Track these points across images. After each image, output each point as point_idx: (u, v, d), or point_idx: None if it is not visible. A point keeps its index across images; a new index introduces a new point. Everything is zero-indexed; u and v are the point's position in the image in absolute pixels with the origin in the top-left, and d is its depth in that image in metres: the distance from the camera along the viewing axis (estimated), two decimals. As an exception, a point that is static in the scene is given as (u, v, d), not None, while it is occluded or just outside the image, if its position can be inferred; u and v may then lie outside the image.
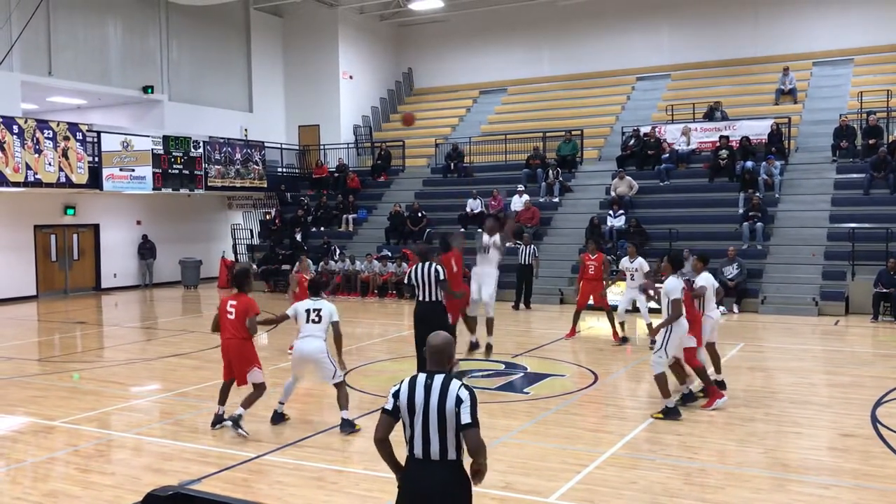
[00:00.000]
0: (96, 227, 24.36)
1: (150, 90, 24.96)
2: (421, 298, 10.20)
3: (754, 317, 17.44)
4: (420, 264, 10.27)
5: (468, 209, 23.26)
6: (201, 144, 24.29)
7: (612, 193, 22.00)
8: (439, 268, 10.16)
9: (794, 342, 14.51)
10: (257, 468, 7.44)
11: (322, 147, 28.88)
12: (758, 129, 22.58)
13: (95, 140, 21.51)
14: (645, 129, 23.83)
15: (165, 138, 23.20)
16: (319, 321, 8.58)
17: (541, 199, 23.12)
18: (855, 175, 20.62)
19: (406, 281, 10.58)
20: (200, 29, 26.89)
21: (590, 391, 10.44)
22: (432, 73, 31.88)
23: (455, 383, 4.21)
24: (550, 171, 23.61)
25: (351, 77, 29.75)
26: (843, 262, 18.14)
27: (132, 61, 24.74)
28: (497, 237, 11.82)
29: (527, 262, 18.80)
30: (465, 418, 4.11)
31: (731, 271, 18.19)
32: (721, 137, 22.28)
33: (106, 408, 9.85)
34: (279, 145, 28.29)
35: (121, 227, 24.85)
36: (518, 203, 22.59)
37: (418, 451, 4.19)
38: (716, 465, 7.49)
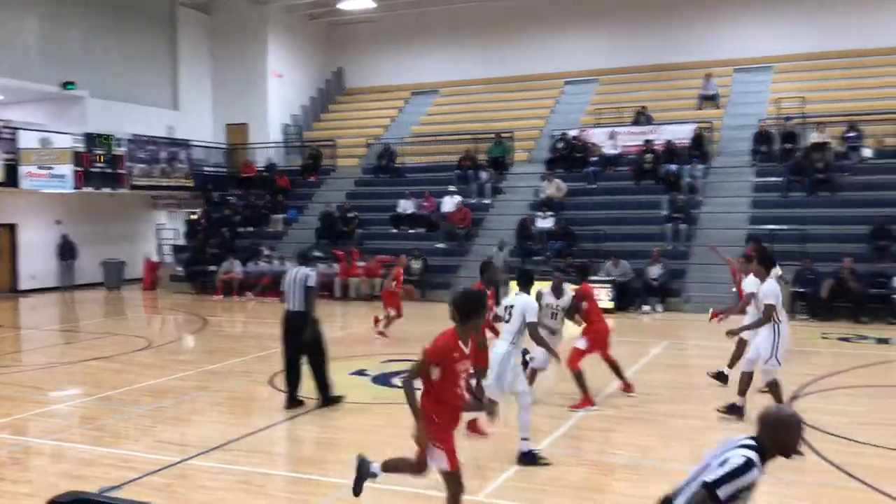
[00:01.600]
0: (13, 227, 23.48)
1: (70, 86, 24.17)
2: (288, 307, 9.32)
3: (678, 315, 17.91)
4: (294, 269, 9.42)
5: (400, 210, 23.26)
6: (125, 142, 23.66)
7: (542, 195, 22.29)
8: (311, 273, 9.31)
9: (715, 340, 14.88)
10: (181, 473, 7.30)
11: (250, 146, 28.46)
12: (681, 134, 23.16)
13: (12, 136, 20.75)
14: (573, 133, 24.20)
15: (88, 136, 22.52)
16: (509, 319, 7.53)
17: (472, 201, 23.26)
18: (773, 178, 21.33)
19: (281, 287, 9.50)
20: (124, 24, 26.20)
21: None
22: (364, 73, 31.72)
23: (741, 451, 3.90)
24: (482, 173, 23.76)
25: (280, 75, 29.41)
26: (762, 263, 18.69)
27: (51, 56, 23.93)
28: (567, 297, 9.65)
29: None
30: (711, 475, 3.79)
31: (655, 271, 18.64)
32: (646, 141, 22.80)
33: (22, 413, 9.50)
34: (206, 144, 27.78)
35: (39, 226, 23.99)
36: (449, 204, 22.69)
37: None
38: (639, 460, 7.65)
